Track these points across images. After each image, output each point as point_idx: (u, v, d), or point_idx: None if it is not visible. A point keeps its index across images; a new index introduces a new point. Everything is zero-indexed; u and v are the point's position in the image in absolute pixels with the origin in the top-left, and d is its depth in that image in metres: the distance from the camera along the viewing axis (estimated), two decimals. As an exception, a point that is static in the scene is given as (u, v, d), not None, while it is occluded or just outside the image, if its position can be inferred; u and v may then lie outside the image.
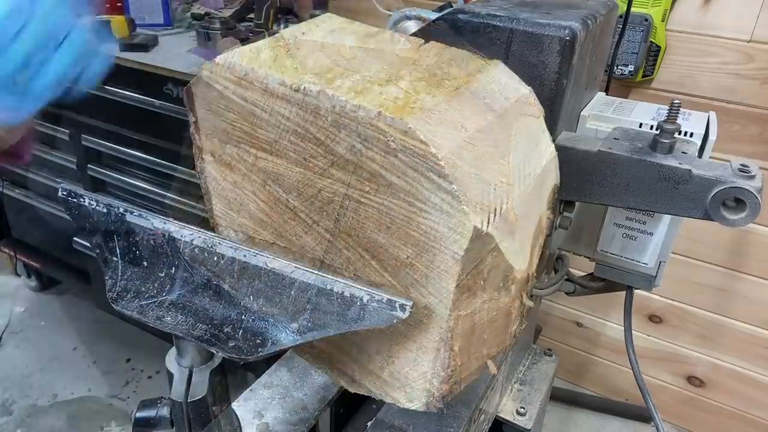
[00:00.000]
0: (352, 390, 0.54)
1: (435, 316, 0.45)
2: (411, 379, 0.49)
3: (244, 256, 0.45)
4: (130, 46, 1.36)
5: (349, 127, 0.43)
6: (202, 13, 1.70)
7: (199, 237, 0.46)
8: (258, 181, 0.51)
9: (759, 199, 0.56)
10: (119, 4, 1.63)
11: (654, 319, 1.67)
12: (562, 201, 0.73)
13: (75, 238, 1.71)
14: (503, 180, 0.47)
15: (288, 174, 0.49)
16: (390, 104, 0.42)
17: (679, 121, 0.64)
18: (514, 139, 0.51)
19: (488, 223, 0.43)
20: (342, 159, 0.45)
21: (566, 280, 0.89)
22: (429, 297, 0.45)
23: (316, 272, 0.43)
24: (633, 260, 0.80)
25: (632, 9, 1.19)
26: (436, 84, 0.48)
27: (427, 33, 0.64)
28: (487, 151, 0.46)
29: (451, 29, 0.64)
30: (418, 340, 0.47)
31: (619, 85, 1.46)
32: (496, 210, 0.45)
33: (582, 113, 0.76)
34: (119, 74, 1.37)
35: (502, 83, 0.55)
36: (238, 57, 0.48)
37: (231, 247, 0.45)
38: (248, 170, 0.52)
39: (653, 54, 1.35)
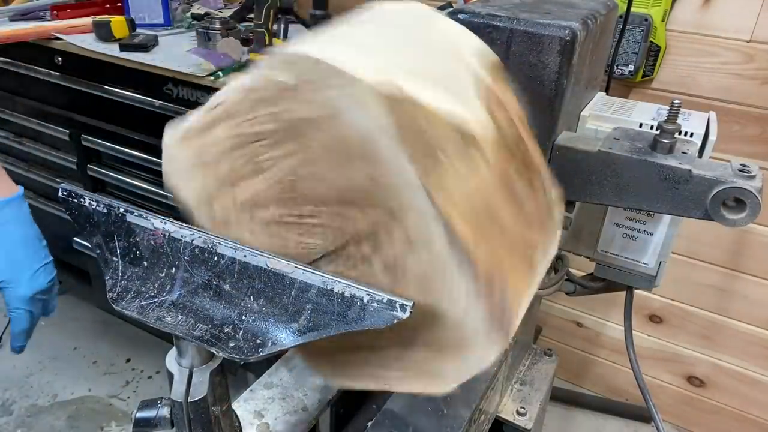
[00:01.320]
0: (437, 390, 0.50)
1: (422, 211, 0.43)
2: (464, 318, 0.45)
3: (245, 256, 0.45)
4: (130, 46, 1.36)
5: (258, 99, 0.46)
6: (202, 13, 1.70)
7: (199, 237, 0.46)
8: (247, 218, 0.52)
9: (759, 199, 0.56)
10: (119, 4, 1.63)
11: (654, 319, 1.67)
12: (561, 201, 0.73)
13: (75, 238, 1.71)
14: (392, 50, 0.47)
15: (257, 189, 0.50)
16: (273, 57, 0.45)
17: (679, 121, 0.64)
18: (401, 26, 0.52)
19: (388, 77, 0.42)
20: (272, 135, 0.47)
21: (566, 280, 0.89)
22: (403, 196, 0.43)
23: (317, 272, 0.43)
24: (633, 260, 0.80)
25: (632, 9, 1.19)
26: (320, 32, 0.50)
27: (427, 33, 0.64)
28: (372, 40, 0.48)
29: (451, 29, 0.63)
30: (435, 259, 0.44)
31: (619, 85, 1.46)
32: (392, 67, 0.44)
33: (582, 113, 0.76)
34: (119, 74, 1.37)
35: (390, 8, 0.55)
36: (176, 124, 0.54)
37: (231, 247, 0.45)
38: (237, 214, 0.53)
39: (653, 54, 1.35)
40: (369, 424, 0.72)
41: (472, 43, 0.54)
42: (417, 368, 0.50)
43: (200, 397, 0.49)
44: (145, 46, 1.37)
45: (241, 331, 0.45)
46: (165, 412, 0.51)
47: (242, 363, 0.90)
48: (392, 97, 0.42)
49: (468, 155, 0.46)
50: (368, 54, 0.46)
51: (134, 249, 0.48)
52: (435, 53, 0.51)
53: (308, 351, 0.57)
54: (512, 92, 0.55)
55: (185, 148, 0.53)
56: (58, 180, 1.71)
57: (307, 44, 0.46)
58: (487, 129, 0.49)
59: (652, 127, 0.73)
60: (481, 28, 0.64)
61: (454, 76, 0.50)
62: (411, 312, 0.40)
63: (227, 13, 1.68)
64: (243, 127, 0.48)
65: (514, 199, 0.51)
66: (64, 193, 0.49)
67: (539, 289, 0.83)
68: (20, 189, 0.85)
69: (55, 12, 1.54)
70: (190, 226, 0.47)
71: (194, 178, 0.54)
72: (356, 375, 0.54)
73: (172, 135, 0.54)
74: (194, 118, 0.52)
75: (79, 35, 1.44)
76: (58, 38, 1.43)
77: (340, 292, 0.42)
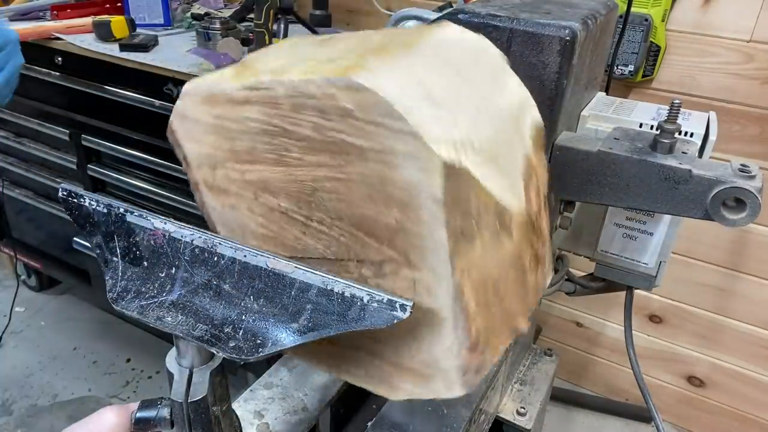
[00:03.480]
0: (392, 397, 0.52)
1: (439, 275, 0.44)
2: (440, 360, 0.47)
3: (245, 256, 0.45)
4: (130, 46, 1.36)
5: (306, 104, 0.44)
6: (202, 13, 1.70)
7: (200, 237, 0.46)
8: (250, 197, 0.52)
9: (759, 199, 0.56)
10: (119, 4, 1.63)
11: (654, 319, 1.67)
12: (562, 201, 0.73)
13: (75, 238, 1.71)
14: (465, 116, 0.46)
15: (272, 177, 0.50)
16: (339, 71, 0.43)
17: (679, 121, 0.64)
18: (472, 78, 0.51)
19: (457, 153, 0.42)
20: (310, 141, 0.46)
21: (566, 280, 0.89)
22: (428, 257, 0.44)
23: (317, 272, 0.43)
24: (633, 260, 0.80)
25: (632, 9, 1.19)
26: (383, 49, 0.48)
27: (427, 33, 0.64)
28: (443, 92, 0.46)
29: (451, 29, 0.63)
30: (433, 308, 0.46)
31: (619, 85, 1.46)
32: (463, 142, 0.44)
33: (582, 113, 0.76)
34: (119, 74, 1.37)
35: (456, 38, 0.54)
36: (202, 80, 0.51)
37: (231, 247, 0.45)
38: (239, 188, 0.52)
39: (653, 54, 1.35)
40: (369, 424, 0.72)
41: (533, 113, 0.56)
42: (379, 376, 0.52)
43: (200, 397, 0.49)
44: (145, 46, 1.37)
45: (241, 331, 0.45)
46: (165, 412, 0.51)
47: (242, 363, 0.90)
48: (451, 166, 0.41)
49: (497, 232, 0.48)
50: (441, 117, 0.43)
51: (134, 249, 0.48)
52: (500, 122, 0.51)
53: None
54: (545, 160, 0.57)
55: (205, 110, 0.51)
56: (58, 180, 1.71)
57: (376, 72, 0.42)
58: (521, 211, 0.51)
59: (652, 127, 0.73)
60: (481, 28, 0.64)
61: (509, 153, 0.51)
62: (411, 312, 0.40)
63: (227, 13, 1.68)
64: (281, 120, 0.47)
65: (522, 274, 0.53)
66: (64, 193, 0.49)
67: (539, 289, 0.83)
68: None
69: (55, 12, 1.54)
70: (190, 226, 0.47)
71: (204, 142, 0.52)
72: (328, 364, 0.55)
73: (195, 91, 0.51)
74: (227, 85, 0.48)
75: (79, 35, 1.44)
76: (58, 38, 1.43)
77: (340, 292, 0.42)
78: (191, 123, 0.52)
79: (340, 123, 0.43)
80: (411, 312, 0.40)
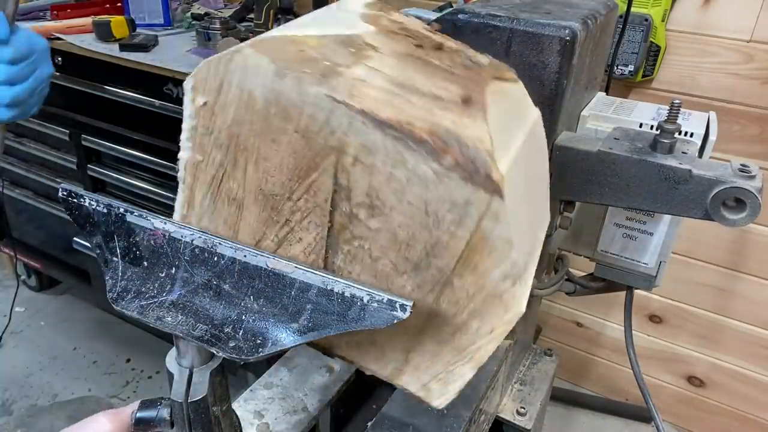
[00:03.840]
0: (517, 302, 0.48)
1: (349, 116, 0.43)
2: (452, 194, 0.43)
3: (245, 256, 0.45)
4: (130, 46, 1.36)
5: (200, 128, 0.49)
6: (202, 13, 1.70)
7: (200, 237, 0.46)
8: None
9: (759, 199, 0.56)
10: (119, 4, 1.63)
11: (654, 319, 1.67)
12: (562, 201, 0.73)
13: (75, 238, 1.71)
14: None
15: (248, 221, 0.52)
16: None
17: (679, 121, 0.64)
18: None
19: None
20: (225, 156, 0.49)
21: (566, 280, 0.89)
22: (329, 120, 0.44)
23: (317, 272, 0.43)
24: (633, 260, 0.80)
25: (632, 9, 1.19)
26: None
27: (427, 33, 0.64)
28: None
29: (451, 29, 0.64)
30: (386, 158, 0.44)
31: (619, 85, 1.46)
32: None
33: (582, 113, 0.76)
34: (119, 74, 1.37)
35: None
36: None
37: (231, 247, 0.45)
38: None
39: (653, 54, 1.35)
40: (369, 424, 0.72)
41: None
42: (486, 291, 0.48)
43: (200, 397, 0.49)
44: (145, 46, 1.37)
45: (241, 331, 0.45)
46: (165, 412, 0.51)
47: (242, 363, 0.90)
48: (257, 43, 0.44)
49: (362, 55, 0.48)
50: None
51: (134, 249, 0.48)
52: (316, 12, 0.55)
53: None
54: (401, 14, 0.59)
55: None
56: (58, 180, 1.71)
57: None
58: (370, 31, 0.52)
59: (652, 127, 0.73)
60: (481, 28, 0.64)
61: (333, 19, 0.54)
62: (411, 312, 0.40)
63: (227, 13, 1.68)
64: (207, 174, 0.51)
65: (425, 63, 0.51)
66: (64, 193, 0.49)
67: (539, 289, 0.83)
68: None
69: (55, 12, 1.55)
70: (190, 226, 0.47)
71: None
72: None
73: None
74: (178, 203, 0.53)
75: (79, 35, 1.45)
76: (58, 38, 1.43)
77: (340, 292, 0.42)
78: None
79: (211, 120, 0.48)
80: (411, 312, 0.40)
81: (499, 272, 0.45)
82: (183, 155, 0.51)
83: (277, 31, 0.49)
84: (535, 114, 0.57)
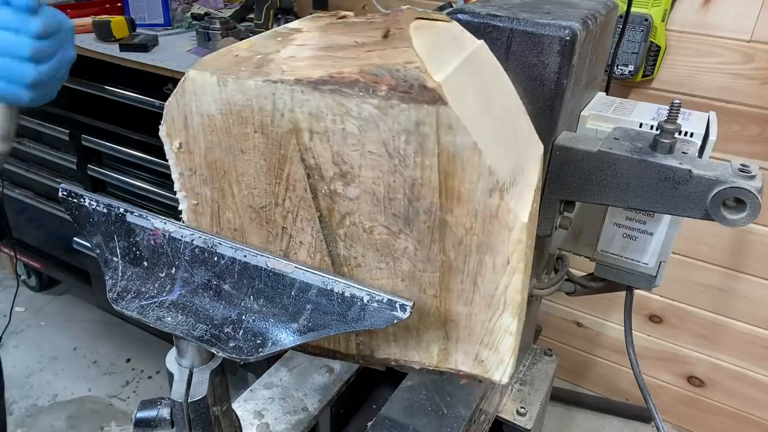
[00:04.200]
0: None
1: (288, 98, 0.45)
2: (407, 123, 0.43)
3: (245, 256, 0.45)
4: (130, 46, 1.36)
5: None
6: (202, 13, 1.70)
7: (200, 237, 0.46)
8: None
9: (759, 199, 0.56)
10: (119, 4, 1.63)
11: (654, 319, 1.67)
12: (562, 201, 0.73)
13: (75, 239, 1.71)
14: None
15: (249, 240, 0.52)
16: None
17: (679, 121, 0.64)
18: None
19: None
20: (202, 179, 0.51)
21: (566, 280, 0.89)
22: (272, 111, 0.46)
23: (317, 272, 0.43)
24: (633, 260, 0.80)
25: (632, 9, 1.19)
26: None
27: (427, 33, 0.64)
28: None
29: (451, 29, 0.63)
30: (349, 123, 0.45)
31: (619, 85, 1.46)
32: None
33: (582, 113, 0.76)
34: (119, 74, 1.37)
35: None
36: None
37: (231, 247, 0.45)
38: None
39: (653, 54, 1.35)
40: (369, 424, 0.72)
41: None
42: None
43: (200, 397, 0.49)
44: (145, 46, 1.37)
45: (241, 331, 0.45)
46: (165, 412, 0.51)
47: (242, 363, 0.90)
48: (198, 64, 0.46)
49: (288, 39, 0.51)
50: None
51: (134, 249, 0.48)
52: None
53: None
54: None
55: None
56: (58, 180, 1.71)
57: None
58: (295, 24, 0.54)
59: (652, 127, 0.73)
60: (481, 28, 0.64)
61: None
62: (411, 312, 0.40)
63: (227, 13, 1.68)
64: (205, 216, 0.52)
65: (349, 26, 0.53)
66: (64, 193, 0.49)
67: (539, 288, 0.83)
68: None
69: (55, 12, 1.54)
70: (190, 226, 0.47)
71: None
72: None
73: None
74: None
75: (79, 35, 1.44)
76: (58, 38, 1.43)
77: (340, 292, 0.42)
78: None
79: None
80: (411, 312, 0.40)
81: (481, 188, 0.44)
82: (182, 206, 0.53)
83: (218, 51, 0.51)
84: (476, 43, 0.56)
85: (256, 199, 0.50)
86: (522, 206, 0.45)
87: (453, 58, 0.50)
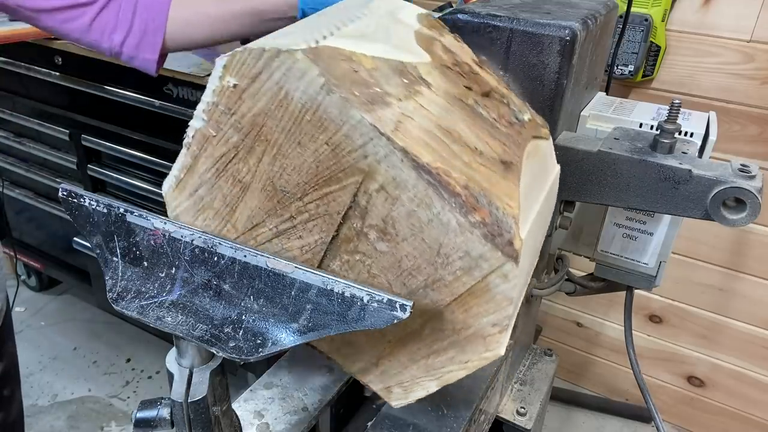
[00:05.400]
0: (496, 345, 0.48)
1: (387, 153, 0.43)
2: (466, 246, 0.44)
3: (245, 256, 0.45)
4: (130, 46, 1.36)
5: (218, 105, 0.49)
6: (202, 13, 1.70)
7: (200, 237, 0.46)
8: (251, 243, 0.54)
9: (759, 199, 0.56)
10: (119, 4, 1.62)
11: (654, 319, 1.67)
12: (562, 201, 0.73)
13: (75, 239, 1.71)
14: (324, 27, 0.49)
15: (248, 206, 0.51)
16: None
17: (679, 121, 0.64)
18: (335, 10, 0.55)
19: (317, 42, 0.46)
20: (240, 141, 0.49)
21: (566, 280, 0.89)
22: (365, 146, 0.44)
23: (317, 272, 0.43)
24: (633, 260, 0.80)
25: (632, 9, 1.19)
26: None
27: (427, 33, 0.64)
28: (311, 23, 0.50)
29: (451, 29, 0.64)
30: (414, 197, 0.44)
31: (619, 85, 1.46)
32: (323, 35, 0.47)
33: (582, 113, 0.76)
34: (119, 74, 1.37)
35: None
36: (170, 177, 0.55)
37: (231, 247, 0.45)
38: (244, 241, 0.54)
39: (653, 54, 1.35)
40: (369, 424, 0.72)
41: (409, 7, 0.59)
42: (461, 333, 0.49)
43: (200, 397, 0.49)
44: (145, 46, 1.36)
45: (241, 331, 0.45)
46: (165, 412, 0.51)
47: (242, 363, 0.90)
48: (312, 49, 0.44)
49: (413, 90, 0.48)
50: (303, 34, 0.47)
51: (134, 249, 0.48)
52: (365, 19, 0.54)
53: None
54: (449, 36, 0.60)
55: (181, 197, 0.54)
56: (58, 180, 1.71)
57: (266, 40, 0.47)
58: (426, 62, 0.52)
59: (652, 127, 0.73)
60: (481, 28, 0.64)
61: (388, 32, 0.53)
62: (411, 312, 0.40)
63: (227, 13, 1.68)
64: (216, 149, 0.49)
65: (472, 111, 0.52)
66: (64, 193, 0.49)
67: (539, 288, 0.83)
68: None
69: (55, 12, 1.54)
70: (190, 226, 0.47)
71: (198, 222, 0.54)
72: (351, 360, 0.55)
73: (168, 187, 0.54)
74: (178, 163, 0.52)
75: (79, 35, 1.44)
76: (58, 38, 1.43)
77: (340, 292, 0.42)
78: (181, 214, 0.56)
79: (239, 104, 0.47)
80: (411, 311, 0.40)
81: (490, 319, 0.46)
82: (194, 124, 0.50)
83: (333, 39, 0.47)
84: (556, 170, 0.60)
85: (281, 181, 0.48)
86: (507, 339, 0.48)
87: (539, 196, 0.52)
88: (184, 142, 0.51)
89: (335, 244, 0.49)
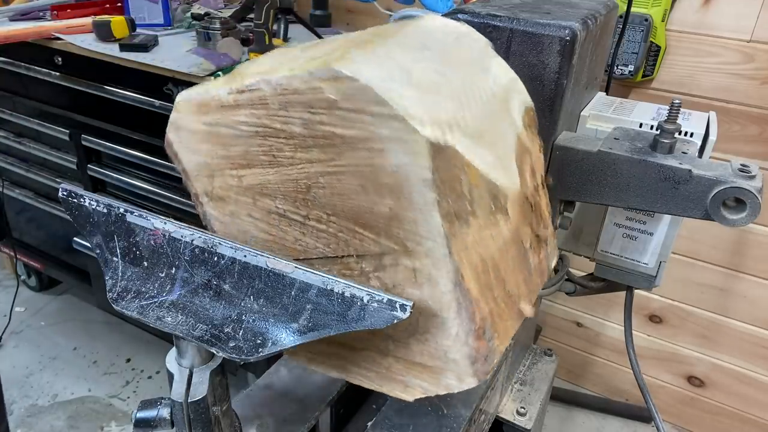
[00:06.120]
0: (407, 397, 0.52)
1: (437, 259, 0.44)
2: (448, 350, 0.47)
3: (245, 256, 0.45)
4: (130, 46, 1.36)
5: (293, 101, 0.45)
6: (202, 13, 1.70)
7: (199, 237, 0.46)
8: (249, 202, 0.52)
9: (759, 199, 0.56)
10: (119, 4, 1.63)
11: (654, 319, 1.67)
12: (562, 201, 0.73)
13: (75, 239, 1.71)
14: (449, 97, 0.46)
15: (267, 179, 0.50)
16: (321, 64, 0.43)
17: (679, 121, 0.64)
18: (455, 62, 0.51)
19: (443, 133, 0.42)
20: (301, 137, 0.46)
21: (566, 280, 0.89)
22: (424, 242, 0.44)
23: (317, 272, 0.43)
24: (633, 260, 0.80)
25: (632, 9, 1.19)
26: (366, 42, 0.48)
27: (427, 33, 0.64)
28: (425, 76, 0.46)
29: (451, 29, 0.63)
30: (435, 296, 0.46)
31: (619, 85, 1.46)
32: (449, 122, 0.44)
33: (582, 113, 0.76)
34: (119, 74, 1.37)
35: (437, 26, 0.54)
36: (193, 89, 0.51)
37: (231, 247, 0.45)
38: (238, 194, 0.52)
39: (653, 54, 1.35)
40: (369, 424, 0.72)
41: (521, 94, 0.56)
42: (390, 376, 0.52)
43: (200, 397, 0.49)
44: (145, 46, 1.36)
45: (241, 331, 0.45)
46: (165, 412, 0.51)
47: (242, 363, 0.90)
48: (438, 145, 0.41)
49: (492, 212, 0.48)
50: (424, 99, 0.44)
51: (134, 249, 0.48)
52: (487, 103, 0.51)
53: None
54: (539, 141, 0.58)
55: (198, 119, 0.51)
56: (58, 180, 1.71)
57: (357, 61, 0.43)
58: (516, 190, 0.52)
59: (652, 127, 0.73)
60: (481, 28, 0.64)
61: (499, 134, 0.51)
62: (411, 312, 0.40)
63: (227, 13, 1.68)
64: (271, 120, 0.47)
65: (524, 255, 0.53)
66: (64, 193, 0.49)
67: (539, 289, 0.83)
68: None
69: (55, 12, 1.54)
70: (190, 226, 0.47)
71: (200, 151, 0.53)
72: (337, 368, 0.56)
73: (187, 100, 0.51)
74: (217, 92, 0.49)
75: (79, 35, 1.44)
76: (58, 38, 1.43)
77: (340, 292, 0.42)
78: (186, 133, 0.53)
79: (327, 115, 0.44)
80: (411, 312, 0.40)
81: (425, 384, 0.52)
82: (264, 88, 0.47)
83: (457, 134, 0.44)
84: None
85: (320, 191, 0.47)
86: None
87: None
88: (238, 82, 0.47)
89: (333, 260, 0.49)
